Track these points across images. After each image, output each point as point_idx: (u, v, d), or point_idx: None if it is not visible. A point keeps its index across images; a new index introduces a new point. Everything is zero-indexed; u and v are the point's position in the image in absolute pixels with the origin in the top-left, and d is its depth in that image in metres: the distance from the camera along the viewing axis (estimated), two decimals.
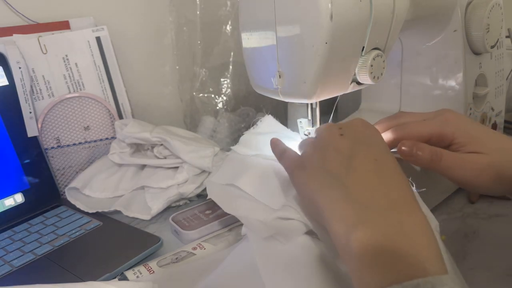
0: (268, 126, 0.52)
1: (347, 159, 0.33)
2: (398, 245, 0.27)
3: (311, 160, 0.36)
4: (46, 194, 0.61)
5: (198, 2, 0.73)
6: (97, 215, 0.55)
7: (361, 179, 0.32)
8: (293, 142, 0.49)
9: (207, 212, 0.51)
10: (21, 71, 0.60)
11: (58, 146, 0.65)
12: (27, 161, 0.59)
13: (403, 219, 0.29)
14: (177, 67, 0.80)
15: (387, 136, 0.41)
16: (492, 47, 0.54)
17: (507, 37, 0.63)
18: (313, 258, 0.36)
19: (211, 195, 0.45)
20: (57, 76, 0.64)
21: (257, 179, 0.45)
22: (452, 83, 0.53)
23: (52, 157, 0.64)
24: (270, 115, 0.53)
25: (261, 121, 0.52)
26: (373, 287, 0.26)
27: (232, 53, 0.75)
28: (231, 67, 0.76)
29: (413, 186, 0.37)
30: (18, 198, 0.58)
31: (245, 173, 0.45)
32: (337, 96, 0.46)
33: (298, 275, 0.35)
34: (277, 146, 0.44)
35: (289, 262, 0.36)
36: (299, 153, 0.42)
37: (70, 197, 0.58)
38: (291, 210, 0.38)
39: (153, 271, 0.41)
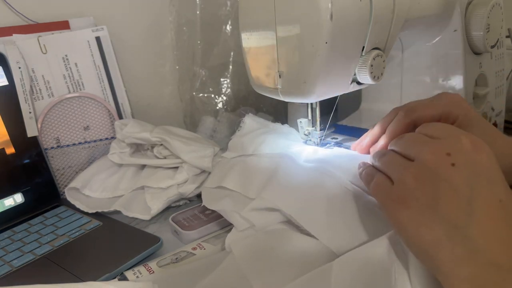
0: (251, 125, 0.55)
1: (467, 202, 0.27)
2: None
3: (415, 195, 0.29)
4: (46, 194, 0.60)
5: (198, 2, 0.73)
6: (97, 215, 0.55)
7: (488, 230, 0.26)
8: (286, 141, 0.51)
9: (207, 212, 0.51)
10: (21, 71, 0.60)
11: (58, 146, 0.65)
12: (27, 161, 0.59)
13: None
14: (177, 67, 0.80)
15: (398, 122, 0.40)
16: (492, 47, 0.54)
17: (507, 37, 0.63)
18: (296, 255, 0.38)
19: (205, 202, 0.48)
20: (57, 76, 0.64)
21: (238, 175, 0.47)
22: (452, 83, 0.53)
23: (52, 157, 0.64)
24: (250, 114, 0.55)
25: (244, 122, 0.54)
26: None
27: (232, 53, 0.75)
28: (231, 67, 0.76)
29: None
30: (18, 198, 0.58)
31: (229, 173, 0.48)
32: (337, 96, 0.46)
33: (281, 271, 0.36)
34: (364, 167, 0.38)
35: (272, 262, 0.37)
36: (371, 161, 0.38)
37: (70, 197, 0.58)
38: (264, 201, 0.42)
39: (153, 271, 0.41)
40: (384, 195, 0.32)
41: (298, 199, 0.41)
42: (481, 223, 0.26)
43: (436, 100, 0.41)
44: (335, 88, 0.43)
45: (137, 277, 0.40)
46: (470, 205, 0.27)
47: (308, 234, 0.39)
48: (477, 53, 0.54)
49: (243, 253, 0.38)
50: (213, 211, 0.51)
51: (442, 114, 0.39)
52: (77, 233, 0.51)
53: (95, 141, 0.67)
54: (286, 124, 0.55)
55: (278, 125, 0.55)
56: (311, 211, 0.39)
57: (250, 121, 0.55)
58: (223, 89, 0.76)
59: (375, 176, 0.34)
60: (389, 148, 0.35)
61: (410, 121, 0.40)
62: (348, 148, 0.49)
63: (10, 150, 0.58)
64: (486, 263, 0.25)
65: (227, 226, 0.49)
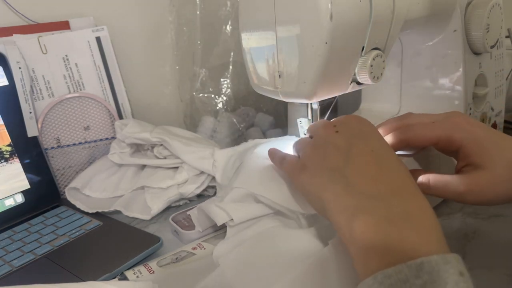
0: (222, 160, 0.55)
1: (345, 153, 0.34)
2: (401, 229, 0.28)
3: (311, 159, 0.37)
4: (46, 194, 0.61)
5: (198, 2, 0.73)
6: (97, 215, 0.55)
7: (360, 170, 0.33)
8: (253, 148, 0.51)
9: None
10: (21, 71, 0.60)
11: (58, 146, 0.65)
12: (27, 161, 0.59)
13: (405, 204, 0.29)
14: (177, 67, 0.80)
15: (393, 137, 0.40)
16: (492, 47, 0.54)
17: (507, 37, 0.63)
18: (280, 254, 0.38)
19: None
20: (57, 76, 0.64)
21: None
22: (452, 83, 0.53)
23: (52, 157, 0.64)
24: (216, 149, 0.57)
25: (215, 160, 0.55)
26: (377, 270, 0.26)
27: (232, 53, 0.75)
28: (231, 67, 0.76)
29: None
30: (18, 198, 0.58)
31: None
32: (336, 96, 0.46)
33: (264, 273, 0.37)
34: (275, 155, 0.45)
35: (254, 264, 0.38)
36: (293, 152, 0.45)
37: (70, 197, 0.58)
38: (236, 190, 0.43)
39: (153, 271, 0.41)
40: (292, 168, 0.40)
41: (265, 180, 0.42)
42: (354, 165, 0.33)
43: (439, 121, 0.39)
44: (335, 88, 0.44)
45: (137, 277, 0.40)
46: (347, 154, 0.34)
47: (295, 227, 0.40)
48: (476, 53, 0.54)
49: (232, 268, 0.37)
50: None
51: (440, 138, 0.38)
52: (77, 233, 0.51)
53: (95, 141, 0.67)
54: (249, 140, 0.56)
55: (243, 144, 0.55)
56: (280, 188, 0.41)
57: (219, 156, 0.55)
58: (223, 89, 0.76)
59: (287, 158, 0.42)
60: None
61: (405, 138, 0.40)
62: None
63: (10, 150, 0.58)
64: (357, 194, 0.31)
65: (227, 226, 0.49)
